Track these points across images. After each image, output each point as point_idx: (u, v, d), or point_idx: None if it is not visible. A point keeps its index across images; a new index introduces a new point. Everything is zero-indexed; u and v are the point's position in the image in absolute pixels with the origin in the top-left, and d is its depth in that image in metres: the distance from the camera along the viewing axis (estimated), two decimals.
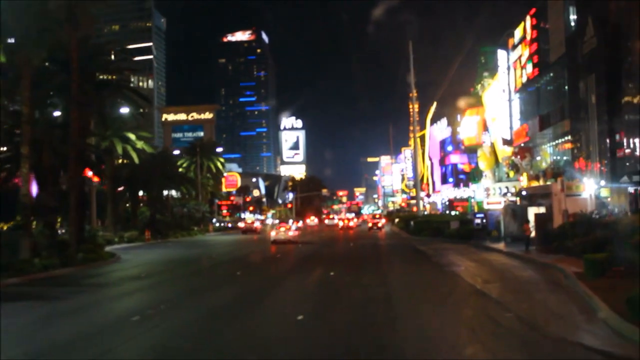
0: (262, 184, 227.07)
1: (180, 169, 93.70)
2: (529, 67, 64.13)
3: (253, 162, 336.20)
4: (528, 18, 63.52)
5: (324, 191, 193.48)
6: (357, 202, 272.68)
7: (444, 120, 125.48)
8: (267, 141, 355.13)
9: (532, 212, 44.52)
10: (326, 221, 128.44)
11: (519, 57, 67.59)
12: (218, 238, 77.71)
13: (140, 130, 69.47)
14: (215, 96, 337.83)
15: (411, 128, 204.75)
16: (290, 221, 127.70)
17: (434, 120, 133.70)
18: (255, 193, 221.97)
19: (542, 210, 43.74)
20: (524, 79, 66.37)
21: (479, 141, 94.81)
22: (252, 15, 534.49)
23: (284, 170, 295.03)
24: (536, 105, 64.93)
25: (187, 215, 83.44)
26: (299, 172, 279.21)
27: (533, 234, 39.53)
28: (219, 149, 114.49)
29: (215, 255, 47.29)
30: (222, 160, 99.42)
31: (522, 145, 69.77)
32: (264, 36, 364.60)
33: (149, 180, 70.72)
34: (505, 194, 77.28)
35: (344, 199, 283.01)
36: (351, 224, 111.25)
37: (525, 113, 69.86)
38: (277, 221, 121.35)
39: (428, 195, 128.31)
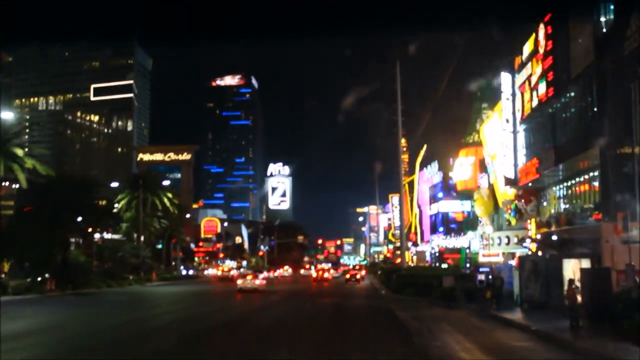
0: (244, 231, 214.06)
1: (118, 205, 79.57)
2: (542, 86, 50.93)
3: (238, 209, 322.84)
4: (542, 27, 50.44)
5: (300, 238, 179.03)
6: (335, 251, 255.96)
7: (435, 165, 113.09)
8: (254, 187, 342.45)
9: (569, 266, 30.65)
10: (302, 271, 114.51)
11: (529, 78, 54.48)
12: (158, 290, 63.44)
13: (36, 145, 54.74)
14: (201, 141, 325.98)
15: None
16: (265, 271, 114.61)
17: (424, 165, 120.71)
18: (238, 240, 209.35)
19: (585, 263, 29.93)
20: (535, 103, 53.15)
21: (475, 185, 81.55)
22: (241, 61, 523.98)
23: (269, 217, 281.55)
24: (549, 135, 51.58)
25: (120, 261, 68.88)
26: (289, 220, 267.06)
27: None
28: (196, 192, 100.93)
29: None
30: (170, 195, 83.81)
31: (530, 185, 56.49)
32: (254, 81, 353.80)
33: (52, 212, 55.07)
34: (507, 244, 64.25)
35: (332, 249, 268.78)
36: (326, 275, 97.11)
37: (533, 146, 56.59)
38: (241, 270, 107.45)
39: (415, 244, 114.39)
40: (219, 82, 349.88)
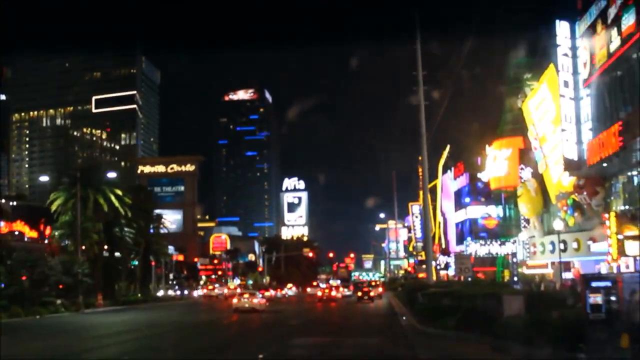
0: (257, 248, 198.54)
1: (52, 206, 62.83)
2: (629, 17, 34.53)
3: (253, 226, 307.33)
4: None
5: (306, 251, 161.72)
6: (346, 265, 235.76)
7: (460, 166, 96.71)
8: (269, 204, 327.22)
9: None
10: (308, 289, 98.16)
11: (603, 13, 38.10)
12: (89, 320, 45.67)
13: None
14: (215, 157, 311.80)
15: (421, 177, 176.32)
16: (272, 289, 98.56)
17: (447, 167, 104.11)
18: (251, 257, 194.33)
19: None
20: (615, 46, 36.68)
21: (514, 182, 65.11)
22: (255, 73, 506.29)
23: (285, 233, 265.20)
24: (638, 91, 35.09)
25: (42, 279, 51.66)
26: (303, 236, 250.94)
27: None
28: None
29: None
30: (118, 192, 64.91)
31: (594, 171, 40.22)
32: (267, 95, 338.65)
33: None
34: (564, 250, 48.26)
35: (352, 265, 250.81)
36: (333, 293, 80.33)
37: (605, 115, 40.28)
38: (237, 288, 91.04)
39: (446, 254, 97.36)
40: (232, 96, 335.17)
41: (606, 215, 38.88)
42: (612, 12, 36.55)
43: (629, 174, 41.32)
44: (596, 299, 17.35)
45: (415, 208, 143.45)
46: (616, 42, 36.30)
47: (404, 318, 36.95)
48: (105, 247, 68.85)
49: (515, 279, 56.14)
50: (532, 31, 56.95)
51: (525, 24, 59.73)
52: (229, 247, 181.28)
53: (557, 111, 47.11)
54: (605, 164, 39.14)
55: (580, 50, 42.25)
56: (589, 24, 40.32)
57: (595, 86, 40.83)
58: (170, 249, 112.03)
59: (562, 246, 49.32)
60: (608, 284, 17.53)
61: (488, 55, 74.69)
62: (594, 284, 17.53)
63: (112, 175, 73.69)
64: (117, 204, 64.33)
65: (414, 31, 47.47)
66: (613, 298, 17.36)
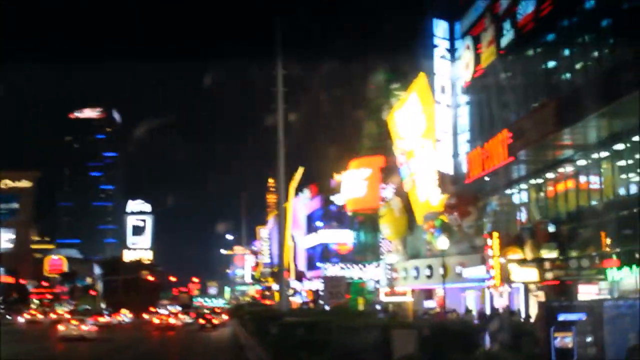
0: (97, 270, 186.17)
1: None
2: (527, 4, 29.31)
3: (96, 249, 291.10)
4: None
5: (144, 274, 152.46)
6: (187, 289, 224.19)
7: (313, 189, 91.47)
8: (114, 226, 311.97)
9: None
10: (147, 316, 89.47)
11: (490, 6, 32.89)
12: None
13: None
14: (57, 177, 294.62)
15: (269, 199, 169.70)
16: (107, 314, 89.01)
17: (300, 190, 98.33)
18: (89, 280, 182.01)
19: None
20: (508, 40, 31.46)
21: (373, 203, 59.71)
22: (104, 92, 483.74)
23: (128, 257, 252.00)
24: (532, 92, 29.93)
25: None
26: (146, 259, 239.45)
27: None
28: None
29: None
30: None
31: (481, 182, 34.90)
32: (116, 114, 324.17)
33: None
34: (430, 276, 43.09)
35: (196, 290, 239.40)
36: (172, 321, 72.15)
37: (486, 124, 35.06)
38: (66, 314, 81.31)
39: (299, 279, 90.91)
40: (78, 114, 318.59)
41: (487, 235, 33.33)
42: (504, 2, 31.30)
43: (507, 191, 36.38)
44: (565, 340, 10.93)
45: (263, 232, 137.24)
46: (509, 35, 31.04)
47: (255, 354, 29.61)
48: None
49: (379, 307, 50.07)
50: (404, 43, 51.60)
51: (399, 36, 54.34)
52: (66, 269, 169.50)
53: (428, 123, 41.99)
54: (488, 178, 33.74)
55: (462, 50, 37.06)
56: (474, 19, 35.12)
57: (477, 90, 35.61)
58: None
59: (427, 271, 44.08)
60: (582, 316, 11.16)
61: (352, 76, 69.63)
62: (561, 317, 11.11)
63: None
64: None
65: (274, 50, 40.75)
66: (589, 339, 11.01)
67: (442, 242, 36.28)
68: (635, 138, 25.66)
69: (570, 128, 26.79)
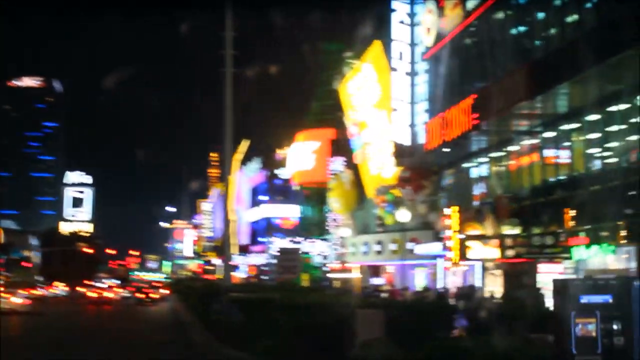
0: (34, 242, 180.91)
1: None
2: None
3: (35, 221, 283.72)
4: None
5: (80, 245, 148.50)
6: (125, 262, 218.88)
7: (257, 161, 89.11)
8: (53, 198, 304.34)
9: None
10: (83, 289, 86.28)
11: None
12: None
13: None
14: None
15: (211, 173, 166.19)
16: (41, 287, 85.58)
17: (245, 163, 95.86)
18: (26, 252, 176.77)
19: None
20: (475, 4, 29.31)
21: (320, 177, 57.63)
22: (45, 62, 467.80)
23: (65, 229, 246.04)
24: (503, 56, 27.84)
25: None
26: (84, 232, 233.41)
27: None
28: None
29: None
30: None
31: (440, 153, 32.93)
32: (57, 84, 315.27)
33: None
34: (380, 252, 41.35)
35: (135, 264, 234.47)
36: (108, 294, 69.58)
37: (444, 94, 32.93)
38: None
39: (244, 252, 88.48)
40: (17, 82, 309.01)
41: (446, 211, 31.33)
42: None
43: (466, 164, 34.52)
44: (587, 327, 8.76)
45: (205, 205, 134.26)
46: None
47: (197, 332, 27.15)
48: None
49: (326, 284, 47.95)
50: (360, 6, 48.80)
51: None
52: (1, 240, 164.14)
53: (383, 93, 39.86)
54: (448, 149, 31.73)
55: (423, 14, 34.78)
56: None
57: (439, 56, 33.42)
58: None
59: (378, 247, 42.16)
60: (608, 298, 9.00)
61: (303, 45, 66.94)
62: (584, 299, 8.93)
63: None
64: None
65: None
66: (616, 327, 8.87)
67: (403, 215, 34.11)
68: (612, 108, 23.89)
69: (542, 96, 24.91)
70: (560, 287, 9.57)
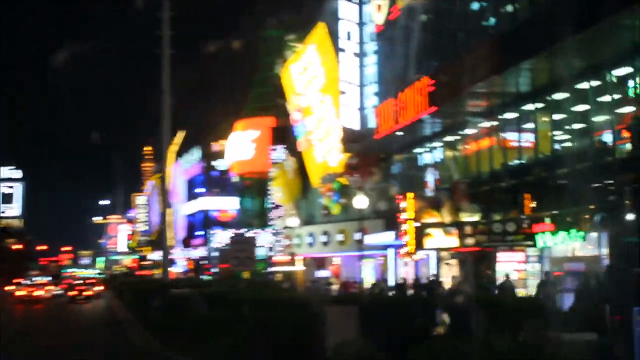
0: None
1: None
2: None
3: None
4: None
5: (9, 242, 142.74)
6: (57, 259, 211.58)
7: (195, 153, 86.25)
8: None
9: None
10: (10, 287, 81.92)
11: None
12: None
13: None
14: None
15: (145, 167, 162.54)
16: None
17: (181, 155, 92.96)
18: None
19: None
20: None
21: (262, 167, 55.36)
22: None
23: None
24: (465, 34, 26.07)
25: None
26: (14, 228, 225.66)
27: None
28: None
29: None
30: None
31: (392, 139, 31.03)
32: None
33: None
34: (326, 244, 39.41)
35: (68, 261, 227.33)
36: (38, 293, 65.75)
37: (396, 76, 30.97)
38: None
39: (188, 246, 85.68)
40: None
41: (400, 198, 29.38)
42: None
43: (418, 150, 32.72)
44: None
45: (140, 199, 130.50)
46: None
47: (139, 334, 24.53)
48: None
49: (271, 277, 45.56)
50: None
51: None
52: None
53: (329, 77, 37.79)
54: (401, 133, 29.82)
55: None
56: None
57: (391, 35, 31.45)
58: None
59: (324, 239, 40.20)
60: None
61: (242, 28, 64.05)
62: None
63: None
64: None
65: None
66: None
67: (360, 202, 31.99)
68: (582, 85, 22.28)
69: (504, 74, 23.16)
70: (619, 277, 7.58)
